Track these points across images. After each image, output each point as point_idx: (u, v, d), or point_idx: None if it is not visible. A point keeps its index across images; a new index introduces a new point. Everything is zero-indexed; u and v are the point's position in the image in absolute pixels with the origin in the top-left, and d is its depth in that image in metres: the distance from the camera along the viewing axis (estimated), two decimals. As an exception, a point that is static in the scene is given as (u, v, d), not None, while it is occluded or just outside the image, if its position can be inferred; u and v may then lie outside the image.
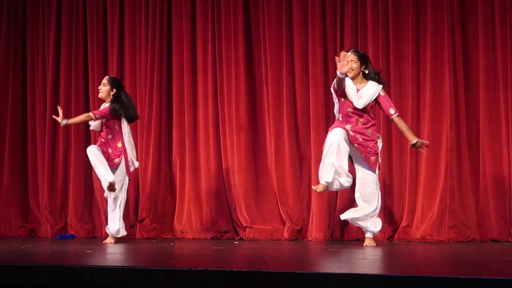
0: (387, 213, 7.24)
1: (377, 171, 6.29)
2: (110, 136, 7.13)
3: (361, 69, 6.24)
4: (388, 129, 7.30)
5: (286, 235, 7.50)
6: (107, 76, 7.32)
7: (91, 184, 8.34)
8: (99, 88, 7.25)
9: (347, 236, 7.38)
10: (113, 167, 7.05)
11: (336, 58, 5.94)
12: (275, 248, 6.17)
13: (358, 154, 6.20)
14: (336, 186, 6.15)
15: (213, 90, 8.02)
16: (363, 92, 6.17)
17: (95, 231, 8.42)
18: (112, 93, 7.14)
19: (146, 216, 8.05)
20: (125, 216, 7.43)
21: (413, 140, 6.15)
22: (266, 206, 7.75)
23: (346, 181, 6.11)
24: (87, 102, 8.48)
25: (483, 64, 7.08)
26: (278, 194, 7.65)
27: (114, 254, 5.42)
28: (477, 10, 7.13)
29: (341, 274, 3.44)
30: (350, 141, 6.14)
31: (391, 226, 7.22)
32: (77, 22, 8.60)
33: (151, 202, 8.08)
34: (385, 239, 7.14)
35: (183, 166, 8.10)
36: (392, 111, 6.21)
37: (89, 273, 3.77)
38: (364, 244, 6.21)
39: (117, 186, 6.98)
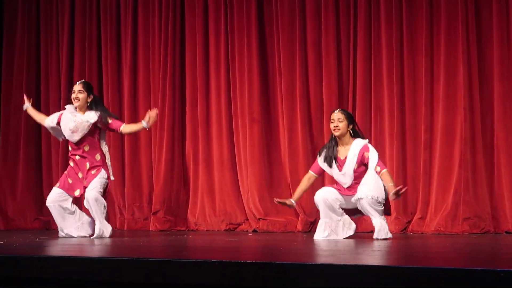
0: (400, 205, 7.22)
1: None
2: (87, 148, 6.55)
3: (348, 129, 6.15)
4: (402, 120, 7.28)
5: (299, 227, 7.50)
6: (80, 82, 6.68)
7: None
8: (74, 97, 6.58)
9: (360, 228, 7.33)
10: (90, 179, 6.47)
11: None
12: (288, 240, 6.17)
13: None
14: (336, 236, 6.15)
15: (226, 82, 8.02)
16: (347, 165, 6.09)
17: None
18: (89, 100, 6.59)
19: (160, 208, 8.07)
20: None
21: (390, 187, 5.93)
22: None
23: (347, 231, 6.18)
24: (101, 96, 8.49)
25: (498, 55, 7.04)
26: (291, 186, 7.64)
27: (128, 246, 5.44)
28: (491, 1, 7.09)
29: (354, 265, 3.44)
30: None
31: (405, 218, 7.21)
32: (90, 16, 8.62)
33: (165, 195, 8.10)
34: (399, 231, 7.13)
35: (196, 159, 8.11)
36: (378, 168, 5.99)
37: (104, 265, 3.79)
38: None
39: (93, 196, 6.40)
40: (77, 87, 6.62)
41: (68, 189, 6.54)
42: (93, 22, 8.60)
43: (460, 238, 6.21)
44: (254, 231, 7.64)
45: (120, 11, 8.52)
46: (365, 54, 7.46)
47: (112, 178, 6.68)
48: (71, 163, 6.62)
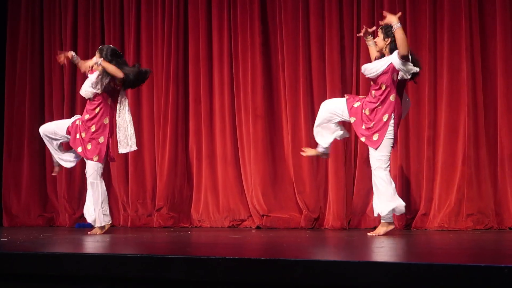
0: (404, 201, 7.20)
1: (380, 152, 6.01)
2: (98, 110, 6.47)
3: (385, 43, 6.04)
4: (405, 116, 7.26)
5: (303, 223, 7.50)
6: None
7: (108, 173, 8.36)
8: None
9: (364, 224, 7.36)
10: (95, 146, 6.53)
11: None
12: (292, 236, 6.17)
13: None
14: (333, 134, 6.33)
15: (229, 78, 8.02)
16: (375, 63, 6.07)
17: (112, 219, 8.44)
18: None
19: (164, 205, 8.08)
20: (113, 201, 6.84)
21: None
22: (283, 195, 7.75)
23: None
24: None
25: (501, 51, 7.02)
26: (295, 182, 7.64)
27: (131, 242, 5.45)
28: (495, -3, 7.07)
29: (358, 262, 3.44)
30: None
31: (409, 214, 7.19)
32: (93, 11, 8.62)
33: (168, 191, 8.10)
34: (402, 228, 7.12)
35: (199, 155, 8.11)
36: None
37: (107, 261, 3.79)
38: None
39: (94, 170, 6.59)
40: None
41: (71, 141, 6.65)
42: (96, 18, 8.61)
43: (463, 235, 6.21)
44: (258, 227, 7.64)
45: (123, 6, 8.52)
46: (368, 50, 7.43)
47: (135, 147, 6.72)
48: (78, 122, 6.59)
